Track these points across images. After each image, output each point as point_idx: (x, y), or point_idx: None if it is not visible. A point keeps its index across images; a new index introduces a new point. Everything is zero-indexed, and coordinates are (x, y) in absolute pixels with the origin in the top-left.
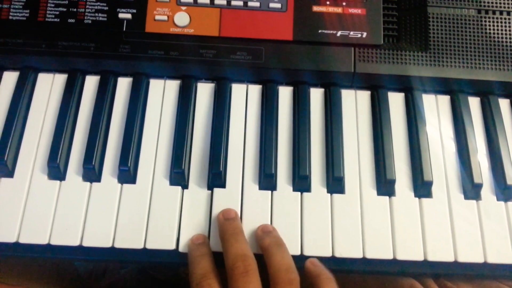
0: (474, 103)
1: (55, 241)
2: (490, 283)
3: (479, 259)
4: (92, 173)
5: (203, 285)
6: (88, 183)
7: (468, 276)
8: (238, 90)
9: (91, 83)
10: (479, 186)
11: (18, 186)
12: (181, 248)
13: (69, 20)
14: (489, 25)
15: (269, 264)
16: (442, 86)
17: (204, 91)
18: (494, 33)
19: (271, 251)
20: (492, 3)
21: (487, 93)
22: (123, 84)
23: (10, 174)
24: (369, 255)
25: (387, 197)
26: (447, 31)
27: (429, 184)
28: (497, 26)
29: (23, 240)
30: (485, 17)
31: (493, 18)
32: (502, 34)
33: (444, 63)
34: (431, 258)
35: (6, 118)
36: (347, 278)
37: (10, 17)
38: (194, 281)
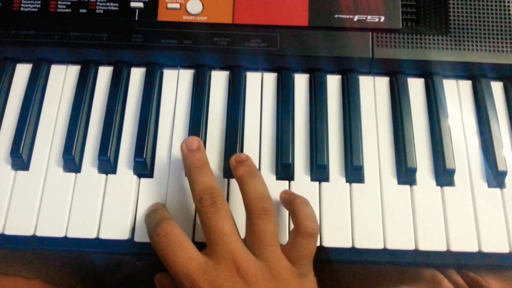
0: (497, 88)
1: (71, 234)
2: None
3: (504, 249)
4: (107, 165)
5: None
6: (104, 175)
7: (493, 266)
8: (253, 79)
9: (104, 74)
10: (503, 174)
11: (33, 179)
12: (196, 238)
13: (81, 10)
14: None
15: (243, 194)
16: (464, 70)
17: (219, 80)
18: None
19: (245, 181)
20: None
21: (511, 77)
22: (137, 75)
23: (25, 167)
24: (390, 246)
25: (408, 186)
26: (468, 13)
27: (452, 172)
28: None
29: (40, 233)
30: None
31: None
32: None
33: (465, 46)
34: (454, 248)
35: (20, 111)
36: (367, 269)
37: (22, 9)
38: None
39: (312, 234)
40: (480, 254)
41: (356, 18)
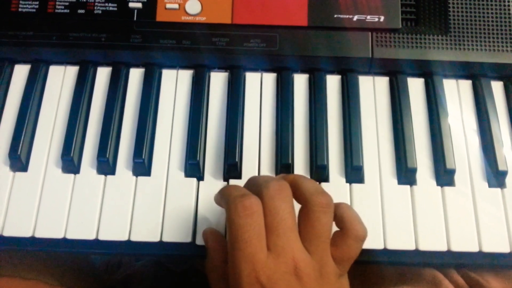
0: (497, 87)
1: (70, 235)
2: None
3: (505, 249)
4: (106, 165)
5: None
6: (103, 176)
7: (493, 266)
8: (252, 79)
9: (103, 74)
10: (504, 174)
11: (32, 180)
12: (197, 241)
13: (79, 11)
14: None
15: (301, 190)
16: (464, 70)
17: (218, 81)
18: None
19: (299, 180)
20: None
21: (511, 76)
22: (135, 75)
23: (24, 168)
24: (390, 246)
25: (408, 186)
26: (468, 12)
27: (452, 172)
28: None
29: (39, 234)
30: None
31: None
32: None
33: (465, 46)
34: (455, 248)
35: (19, 111)
36: (367, 269)
37: (20, 9)
38: (232, 203)
39: (363, 238)
40: (481, 254)
41: (355, 18)
